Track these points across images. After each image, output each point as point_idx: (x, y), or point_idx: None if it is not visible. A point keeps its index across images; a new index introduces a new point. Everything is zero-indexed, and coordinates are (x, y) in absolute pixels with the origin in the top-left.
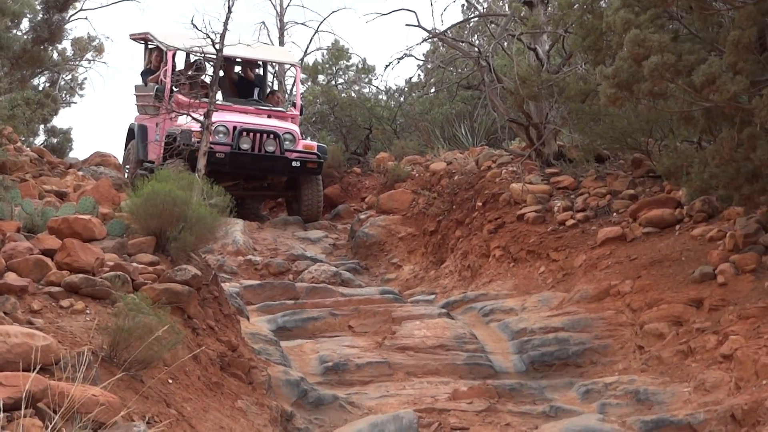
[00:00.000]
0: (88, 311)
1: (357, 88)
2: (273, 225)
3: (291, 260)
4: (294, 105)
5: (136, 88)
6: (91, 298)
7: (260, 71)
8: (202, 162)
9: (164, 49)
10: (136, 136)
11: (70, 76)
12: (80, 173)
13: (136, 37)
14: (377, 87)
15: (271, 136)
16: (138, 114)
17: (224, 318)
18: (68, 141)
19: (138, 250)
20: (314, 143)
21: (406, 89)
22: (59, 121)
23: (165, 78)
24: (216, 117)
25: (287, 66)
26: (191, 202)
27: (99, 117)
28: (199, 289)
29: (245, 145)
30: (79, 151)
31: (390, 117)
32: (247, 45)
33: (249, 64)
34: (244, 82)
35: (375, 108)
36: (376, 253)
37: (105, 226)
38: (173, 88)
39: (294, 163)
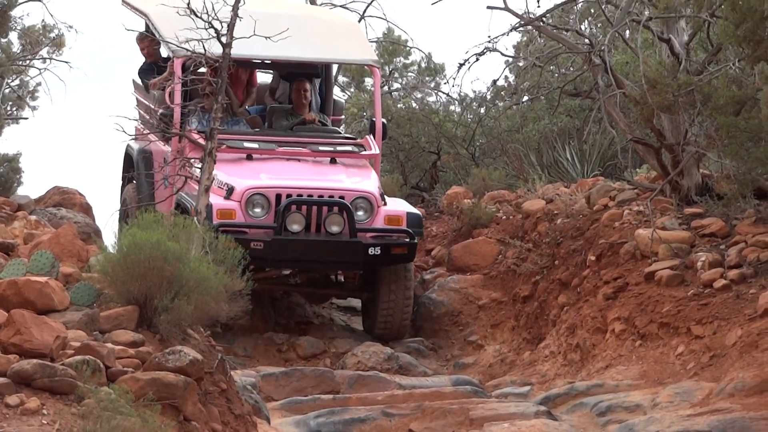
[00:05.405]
0: (44, 411)
1: (419, 96)
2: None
3: (328, 338)
4: (372, 130)
5: (135, 86)
6: (48, 392)
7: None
8: (203, 201)
9: (161, 41)
10: (135, 167)
11: (17, 81)
12: (33, 218)
13: (133, 7)
14: (447, 95)
15: (335, 208)
16: (138, 125)
17: (235, 420)
18: (16, 172)
19: (114, 325)
20: (401, 210)
21: (489, 97)
22: (3, 144)
23: (170, 99)
24: (246, 173)
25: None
26: (188, 257)
27: (59, 138)
28: (200, 379)
29: (295, 226)
30: (31, 187)
31: (466, 137)
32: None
33: (301, 66)
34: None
35: (445, 124)
36: (447, 327)
37: (68, 291)
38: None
39: (371, 251)
